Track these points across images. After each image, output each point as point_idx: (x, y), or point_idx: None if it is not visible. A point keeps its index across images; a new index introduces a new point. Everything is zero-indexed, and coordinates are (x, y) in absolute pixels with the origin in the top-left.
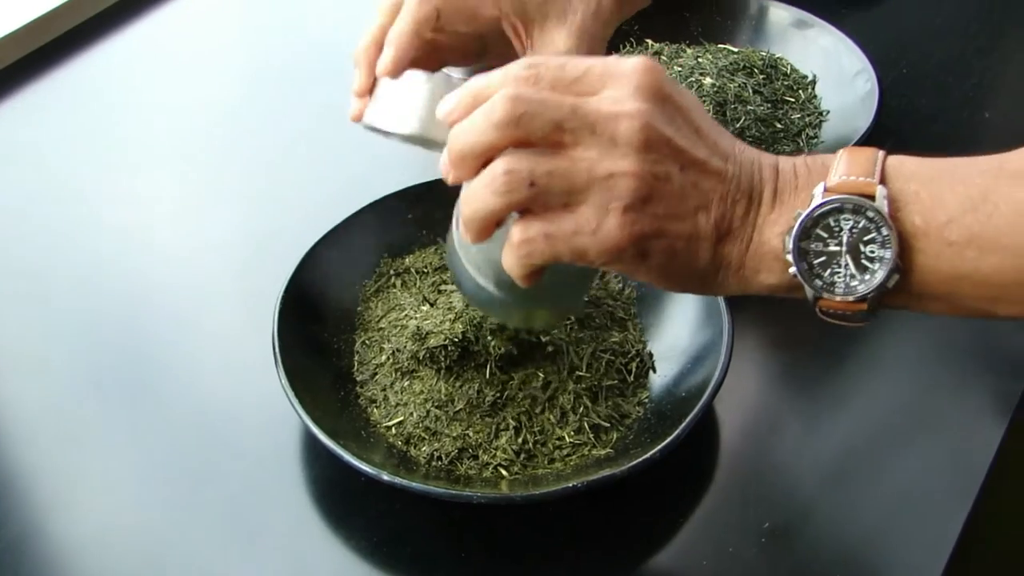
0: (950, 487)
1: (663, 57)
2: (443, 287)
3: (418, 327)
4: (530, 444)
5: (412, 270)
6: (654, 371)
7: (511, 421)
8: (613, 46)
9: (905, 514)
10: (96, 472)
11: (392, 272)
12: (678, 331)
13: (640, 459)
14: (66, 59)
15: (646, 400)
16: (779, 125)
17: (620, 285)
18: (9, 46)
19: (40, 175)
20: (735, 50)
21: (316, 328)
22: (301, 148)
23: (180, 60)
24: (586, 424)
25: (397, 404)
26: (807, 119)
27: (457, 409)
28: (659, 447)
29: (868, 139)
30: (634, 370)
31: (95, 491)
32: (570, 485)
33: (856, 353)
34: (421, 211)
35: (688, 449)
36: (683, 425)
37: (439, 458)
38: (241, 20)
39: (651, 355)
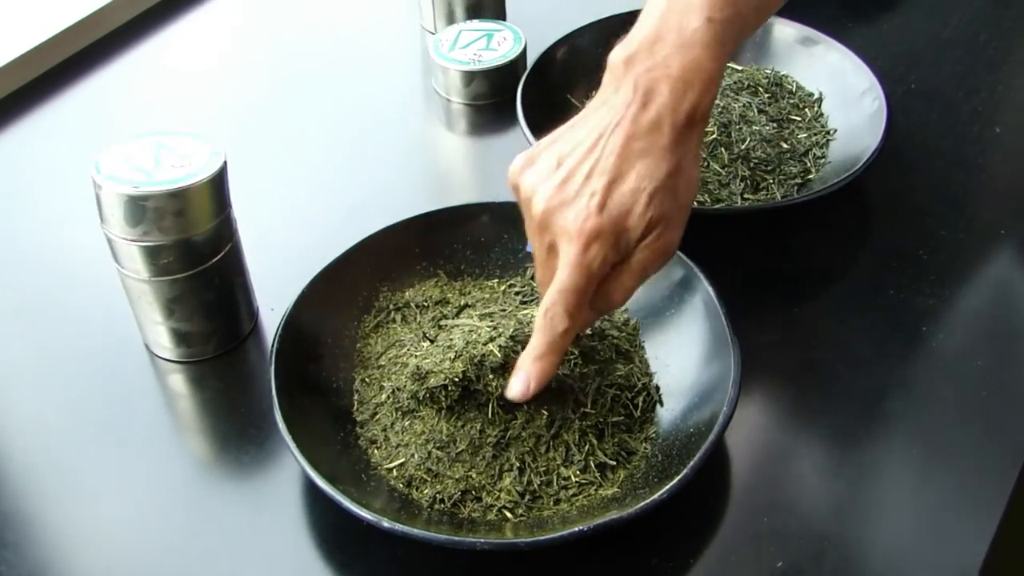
0: (967, 523)
1: None
2: (443, 322)
3: (418, 366)
4: (535, 485)
5: (412, 304)
6: (661, 405)
7: (515, 461)
8: None
9: (921, 550)
10: (95, 516)
11: (391, 307)
12: (685, 363)
13: (647, 501)
14: (61, 89)
15: (653, 435)
16: (785, 145)
17: (625, 316)
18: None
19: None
20: (739, 68)
21: (314, 367)
22: (298, 178)
23: (174, 87)
24: (592, 463)
25: (398, 445)
26: (814, 138)
27: (459, 450)
28: (667, 487)
29: (877, 157)
30: (641, 404)
31: (90, 541)
32: (576, 530)
33: (868, 385)
34: (421, 243)
35: (698, 485)
36: (691, 464)
37: (442, 500)
38: (238, 48)
39: (658, 388)
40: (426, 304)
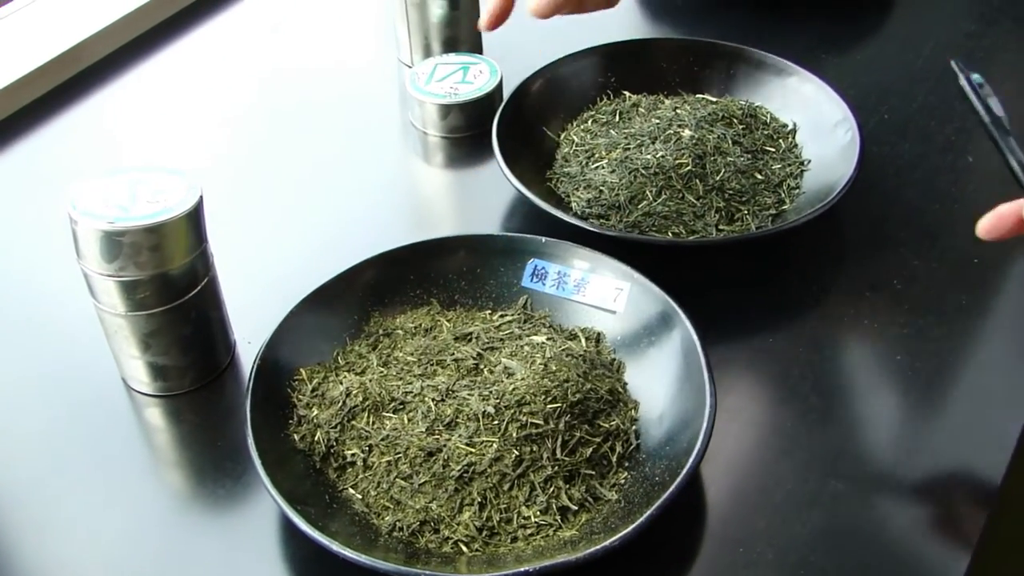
0: (941, 554)
1: (641, 108)
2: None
3: (387, 435)
4: (494, 521)
5: (401, 330)
6: (638, 452)
7: (476, 496)
8: (590, 99)
9: None
10: (71, 549)
11: (381, 331)
12: (660, 400)
13: (597, 548)
14: (38, 124)
15: (623, 482)
16: (759, 176)
17: (613, 357)
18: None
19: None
20: (714, 100)
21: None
22: (276, 212)
23: (151, 122)
24: (554, 505)
25: (365, 470)
26: (788, 168)
27: (423, 481)
28: (619, 536)
29: (851, 188)
30: (618, 450)
31: (66, 574)
32: (521, 570)
33: (842, 415)
34: (416, 271)
35: (674, 516)
36: (646, 515)
37: (400, 529)
38: (215, 83)
39: (637, 434)
40: (415, 331)
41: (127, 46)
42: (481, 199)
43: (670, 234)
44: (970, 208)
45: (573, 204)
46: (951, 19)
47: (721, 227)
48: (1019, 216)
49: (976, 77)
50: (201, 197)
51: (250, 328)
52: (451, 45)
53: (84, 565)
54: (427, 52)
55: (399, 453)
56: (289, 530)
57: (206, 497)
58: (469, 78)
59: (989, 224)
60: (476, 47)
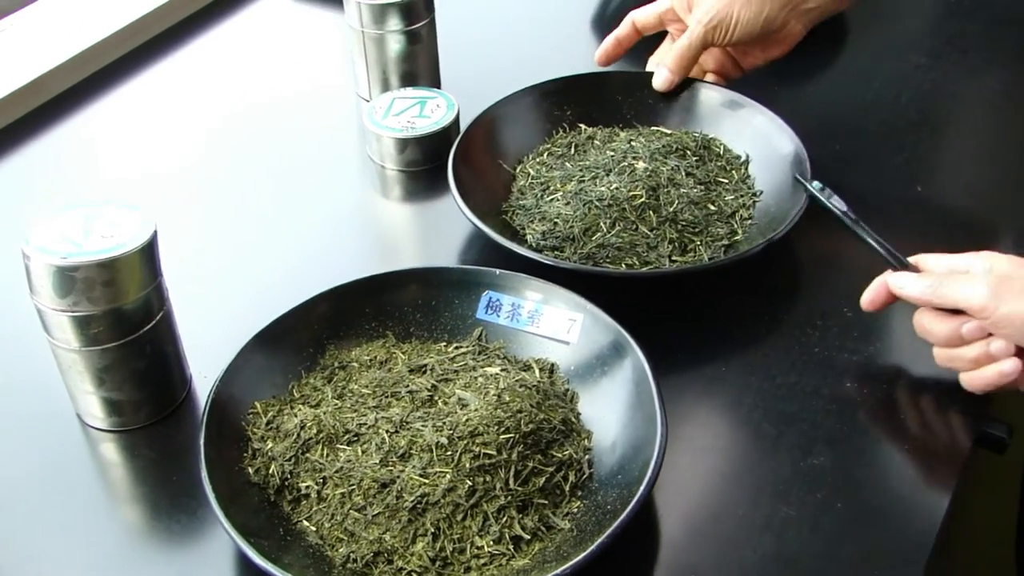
0: (892, 574)
1: (596, 141)
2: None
3: (341, 467)
4: (447, 551)
5: (356, 363)
6: (590, 481)
7: (430, 527)
8: (546, 132)
9: None
10: None
11: (336, 364)
12: (612, 429)
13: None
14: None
15: (576, 511)
16: (712, 207)
17: (567, 387)
18: None
19: None
20: (668, 132)
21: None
22: (233, 246)
23: (107, 158)
24: (507, 534)
25: (319, 502)
26: (741, 199)
27: (376, 512)
28: (570, 564)
29: (802, 218)
30: (571, 479)
31: None
32: None
33: (794, 441)
34: (371, 303)
35: (626, 545)
36: (597, 542)
37: (354, 560)
38: (172, 118)
39: (591, 463)
40: (370, 364)
41: (84, 82)
42: (439, 232)
43: (624, 265)
44: (918, 236)
45: (528, 236)
46: (901, 53)
47: (674, 258)
48: (886, 288)
49: (816, 184)
50: (155, 232)
51: (206, 363)
52: (409, 80)
53: None
54: (385, 86)
55: (353, 485)
56: (244, 563)
57: (162, 532)
58: (426, 112)
59: (867, 298)
60: (434, 82)
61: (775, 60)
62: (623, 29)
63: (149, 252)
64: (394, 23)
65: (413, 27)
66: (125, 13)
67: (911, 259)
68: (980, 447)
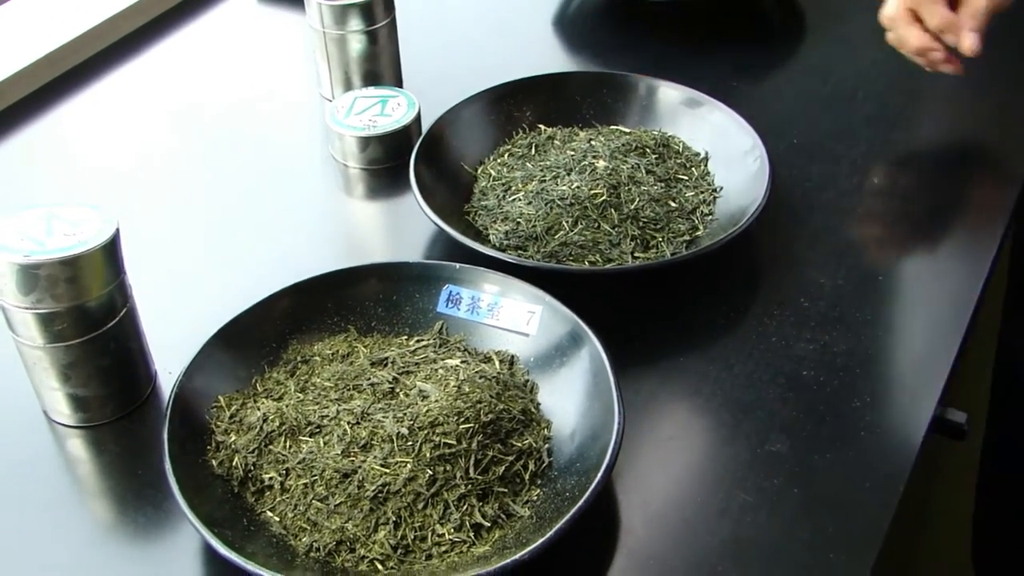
0: (845, 559)
1: (556, 141)
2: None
3: (304, 458)
4: (409, 539)
5: (319, 356)
6: (550, 469)
7: (391, 515)
8: (506, 133)
9: None
10: None
11: (299, 359)
12: (570, 419)
13: (507, 561)
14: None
15: (536, 499)
16: (673, 204)
17: (527, 378)
18: None
19: None
20: (627, 131)
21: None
22: (197, 245)
23: (70, 159)
24: (468, 522)
25: (282, 493)
26: (701, 196)
27: (338, 502)
28: (529, 549)
29: (761, 212)
30: (531, 468)
31: None
32: None
33: (751, 428)
34: (333, 299)
35: (587, 532)
36: (556, 528)
37: (317, 550)
38: (134, 118)
39: (550, 452)
40: (333, 357)
41: (49, 85)
42: (402, 229)
43: (587, 263)
44: (874, 227)
45: (492, 236)
46: (858, 49)
47: (636, 255)
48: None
49: None
50: (117, 230)
51: (171, 359)
52: (371, 79)
53: None
54: (347, 86)
55: (315, 475)
56: (209, 554)
57: (128, 525)
58: (388, 111)
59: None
60: (397, 81)
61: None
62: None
63: (111, 250)
64: (355, 23)
65: (374, 27)
66: (90, 16)
67: None
68: (938, 434)
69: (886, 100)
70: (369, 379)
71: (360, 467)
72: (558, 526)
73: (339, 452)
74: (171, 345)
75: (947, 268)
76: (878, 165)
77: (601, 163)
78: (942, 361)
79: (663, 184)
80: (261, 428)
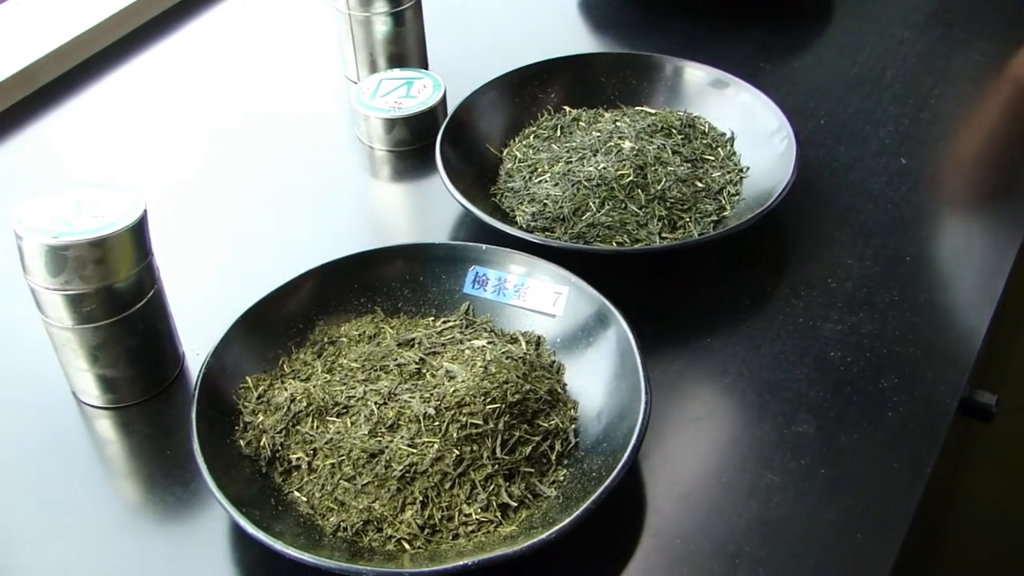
0: (873, 540)
1: (581, 122)
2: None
3: (331, 438)
4: (436, 519)
5: (346, 338)
6: (577, 450)
7: (418, 495)
8: (532, 114)
9: (828, 567)
10: (22, 562)
11: (326, 340)
12: (596, 400)
13: (535, 540)
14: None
15: (562, 479)
16: (700, 184)
17: (553, 359)
18: None
19: None
20: (652, 111)
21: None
22: (224, 226)
23: (99, 141)
24: (495, 502)
25: (309, 473)
26: (727, 176)
27: (365, 482)
28: (556, 529)
29: (788, 192)
30: (557, 448)
31: None
32: (460, 564)
33: (778, 409)
34: (360, 280)
35: (613, 512)
36: (583, 507)
37: (344, 529)
38: (162, 101)
39: (576, 432)
40: (359, 339)
41: (75, 69)
42: (428, 211)
43: (614, 243)
44: (903, 208)
45: (518, 218)
46: (886, 27)
47: (664, 235)
48: None
49: None
50: (145, 211)
51: (199, 340)
52: (396, 61)
53: (34, 575)
54: (373, 68)
55: (342, 455)
56: (237, 533)
57: (156, 505)
58: (413, 92)
59: None
60: (422, 63)
61: None
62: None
63: (139, 231)
64: (380, 5)
65: (399, 9)
66: (114, 1)
67: None
68: (966, 416)
69: (914, 79)
70: (396, 360)
71: (387, 447)
72: (585, 506)
73: (366, 432)
74: (198, 326)
75: (975, 249)
76: (906, 145)
77: (627, 144)
78: (970, 342)
79: (689, 165)
80: (288, 408)
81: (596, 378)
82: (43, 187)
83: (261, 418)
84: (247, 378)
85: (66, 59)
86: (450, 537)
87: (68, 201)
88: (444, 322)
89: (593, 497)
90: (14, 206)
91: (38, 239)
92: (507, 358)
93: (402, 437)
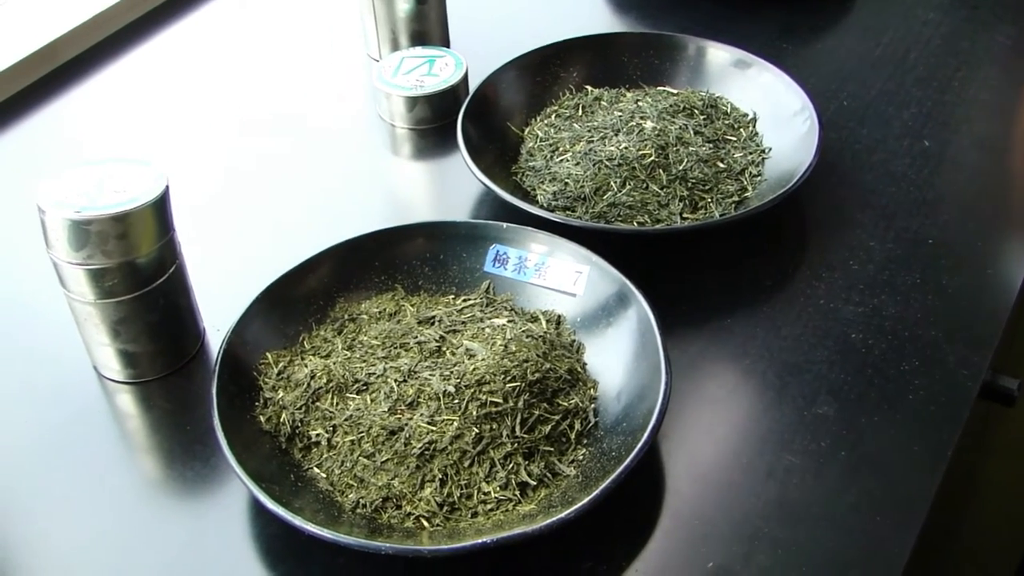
0: (893, 523)
1: (603, 102)
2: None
3: (351, 415)
4: (455, 497)
5: (366, 315)
6: (596, 429)
7: (437, 472)
8: (553, 93)
9: (847, 550)
10: (42, 534)
11: (346, 316)
12: (616, 379)
13: (554, 519)
14: (10, 121)
15: (582, 458)
16: (722, 164)
17: (573, 338)
18: None
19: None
20: (674, 92)
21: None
22: (246, 203)
23: (121, 117)
24: (513, 480)
25: (329, 450)
26: (749, 157)
27: (385, 459)
28: (575, 508)
29: (811, 175)
30: (576, 427)
31: (38, 559)
32: (479, 541)
33: (798, 391)
34: (380, 257)
35: (632, 491)
36: (601, 487)
37: (363, 506)
38: (184, 79)
39: (596, 412)
40: (380, 316)
41: (98, 46)
42: (448, 189)
43: (635, 223)
44: (925, 190)
45: (539, 197)
46: (910, 9)
47: (685, 215)
48: None
49: None
50: (167, 187)
51: (219, 316)
52: (418, 39)
53: (57, 550)
54: (394, 46)
55: (362, 432)
56: (256, 508)
57: (176, 479)
58: (435, 71)
59: None
60: (444, 41)
61: None
62: None
63: (161, 206)
64: None
65: None
66: None
67: None
68: (988, 400)
69: (938, 62)
70: (416, 337)
71: (407, 424)
72: (604, 485)
73: (386, 409)
74: (218, 303)
75: (998, 232)
76: (929, 127)
77: (649, 124)
78: (992, 326)
79: (711, 145)
80: (308, 385)
81: (616, 358)
82: (65, 161)
83: (281, 394)
84: (267, 354)
85: (88, 36)
86: (469, 515)
87: (91, 176)
88: (464, 300)
89: (612, 477)
90: (37, 181)
91: (61, 213)
92: (527, 337)
93: (422, 415)
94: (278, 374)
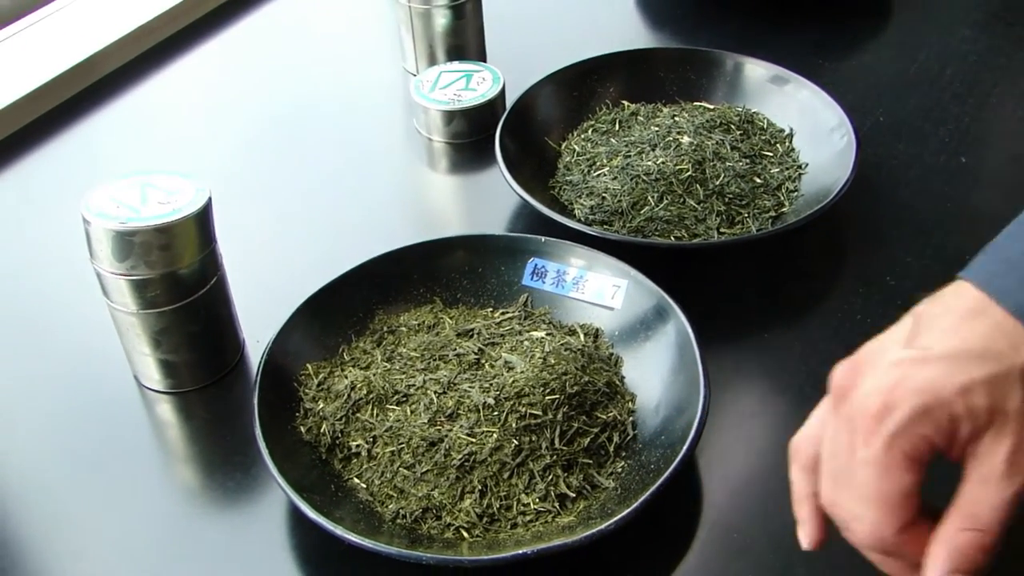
0: None
1: (639, 117)
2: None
3: (391, 426)
4: (494, 508)
5: (405, 327)
6: (634, 442)
7: (477, 484)
8: (590, 108)
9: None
10: (83, 544)
11: (385, 329)
12: (654, 393)
13: (593, 531)
14: (55, 132)
15: (620, 471)
16: (758, 180)
17: (611, 351)
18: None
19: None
20: (711, 107)
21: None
22: (285, 215)
23: (163, 129)
24: (553, 492)
25: (369, 460)
26: (786, 172)
27: (424, 470)
28: (614, 520)
29: (847, 190)
30: (615, 440)
31: (78, 568)
32: (519, 552)
33: None
34: (419, 269)
35: (670, 506)
36: (641, 499)
37: (403, 516)
38: (225, 92)
39: (635, 425)
40: (419, 328)
41: (139, 58)
42: (485, 203)
43: (672, 238)
44: (962, 207)
45: (576, 211)
46: (946, 25)
47: (722, 230)
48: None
49: None
50: (210, 198)
51: (260, 327)
52: (455, 53)
53: (98, 558)
54: (432, 60)
55: (402, 443)
56: (296, 518)
57: (216, 489)
58: (472, 85)
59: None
60: (480, 55)
61: None
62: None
63: (204, 218)
64: None
65: (459, 2)
66: None
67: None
68: None
69: (975, 78)
70: (455, 350)
71: (446, 436)
72: (643, 498)
73: (425, 421)
74: (259, 314)
75: None
76: (966, 144)
77: (686, 139)
78: None
79: (748, 160)
80: (349, 396)
81: (654, 371)
82: (109, 172)
83: (321, 405)
84: (308, 365)
85: (131, 48)
86: (508, 526)
87: (134, 187)
88: (503, 313)
89: (652, 489)
90: (79, 193)
91: (105, 224)
92: (566, 350)
93: (461, 426)
94: (318, 385)
